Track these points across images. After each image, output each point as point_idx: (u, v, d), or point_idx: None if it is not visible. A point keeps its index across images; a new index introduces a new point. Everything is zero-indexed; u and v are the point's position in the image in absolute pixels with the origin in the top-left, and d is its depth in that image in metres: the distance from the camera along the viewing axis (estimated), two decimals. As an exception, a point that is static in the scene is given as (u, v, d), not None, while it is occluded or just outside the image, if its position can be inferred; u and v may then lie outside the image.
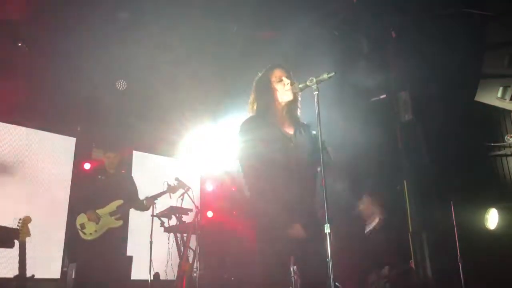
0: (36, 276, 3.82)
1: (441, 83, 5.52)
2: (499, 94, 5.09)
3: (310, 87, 2.49)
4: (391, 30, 5.82)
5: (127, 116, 6.58)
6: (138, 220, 5.78)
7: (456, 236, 4.87)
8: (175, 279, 5.29)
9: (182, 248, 5.34)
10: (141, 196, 5.13)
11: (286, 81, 2.71)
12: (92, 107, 6.34)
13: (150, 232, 5.50)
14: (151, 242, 5.46)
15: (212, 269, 6.79)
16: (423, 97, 5.78)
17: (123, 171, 5.46)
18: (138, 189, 5.20)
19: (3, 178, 5.79)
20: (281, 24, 5.60)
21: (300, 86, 2.58)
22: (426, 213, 5.52)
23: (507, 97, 5.05)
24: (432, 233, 5.45)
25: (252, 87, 2.87)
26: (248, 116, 2.80)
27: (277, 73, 2.76)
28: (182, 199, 5.33)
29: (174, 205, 5.45)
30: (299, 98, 2.78)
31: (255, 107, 2.80)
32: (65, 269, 5.81)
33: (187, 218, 5.54)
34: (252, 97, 2.84)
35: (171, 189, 5.14)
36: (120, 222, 4.85)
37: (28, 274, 3.73)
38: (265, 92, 2.74)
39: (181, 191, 5.22)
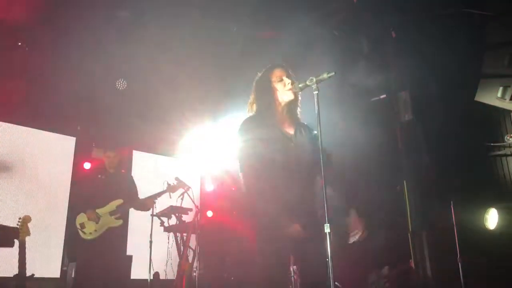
0: (36, 275, 3.82)
1: (441, 83, 5.52)
2: (499, 94, 5.09)
3: (310, 87, 2.49)
4: (391, 30, 5.82)
5: (127, 115, 6.58)
6: (138, 220, 5.78)
7: (456, 236, 4.87)
8: (174, 278, 5.29)
9: (182, 247, 5.33)
10: (141, 195, 5.13)
11: (287, 80, 2.70)
12: (92, 106, 6.34)
13: (150, 232, 5.51)
14: (151, 242, 5.47)
15: (212, 268, 6.79)
16: (423, 97, 5.78)
17: (123, 171, 5.46)
18: (138, 188, 5.20)
19: (3, 177, 5.79)
20: (281, 24, 5.59)
21: (300, 85, 2.58)
22: (426, 213, 5.52)
23: (507, 97, 5.04)
24: (432, 233, 5.45)
25: (252, 87, 2.86)
26: (248, 116, 2.79)
27: (278, 72, 2.75)
28: (182, 199, 5.33)
29: (174, 204, 5.45)
30: (300, 98, 2.77)
31: (255, 107, 2.79)
32: (64, 268, 5.81)
33: (187, 218, 5.54)
34: (252, 97, 2.84)
35: (170, 188, 5.13)
36: (120, 222, 4.85)
37: (28, 273, 3.73)
38: (266, 92, 2.74)
39: (181, 190, 5.22)
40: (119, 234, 4.95)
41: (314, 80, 2.46)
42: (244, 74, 3.54)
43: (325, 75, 2.43)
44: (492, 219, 5.02)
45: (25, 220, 3.93)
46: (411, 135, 5.83)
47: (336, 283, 2.22)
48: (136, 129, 6.64)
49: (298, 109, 2.81)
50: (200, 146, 7.42)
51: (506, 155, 5.46)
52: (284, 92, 2.69)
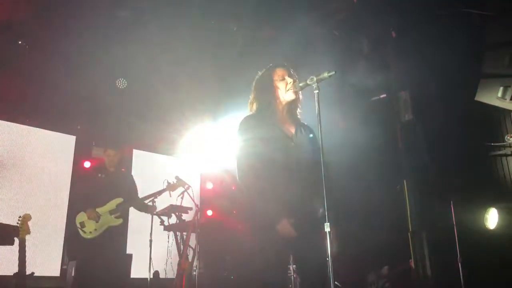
0: (36, 274, 3.83)
1: (441, 83, 5.52)
2: (499, 94, 5.09)
3: (311, 86, 2.49)
4: (391, 30, 5.82)
5: (127, 115, 6.59)
6: (138, 219, 5.79)
7: (456, 236, 4.87)
8: (174, 277, 5.29)
9: (181, 246, 5.33)
10: (141, 194, 5.14)
11: (289, 79, 2.70)
12: (92, 105, 6.34)
13: (150, 231, 5.50)
14: (150, 241, 5.47)
15: (212, 267, 6.80)
16: (423, 97, 5.78)
17: (123, 170, 5.46)
18: (138, 187, 5.21)
19: (3, 176, 5.80)
20: (281, 24, 5.59)
21: (301, 84, 2.58)
22: (426, 212, 5.52)
23: (507, 97, 5.04)
24: (432, 233, 5.45)
25: (252, 87, 2.86)
26: (248, 114, 2.78)
27: (280, 71, 2.75)
28: (182, 198, 5.33)
29: (174, 203, 5.45)
30: (301, 98, 2.77)
31: (255, 106, 2.78)
32: (64, 267, 5.82)
33: (187, 217, 5.54)
34: (252, 96, 2.83)
35: (170, 187, 5.13)
36: (120, 221, 4.85)
37: (28, 271, 3.73)
38: (267, 90, 2.73)
39: (181, 189, 5.22)
40: (119, 233, 4.96)
41: (315, 79, 2.46)
42: (244, 74, 3.54)
43: (325, 74, 2.44)
44: (492, 219, 5.02)
45: (25, 218, 3.94)
46: (411, 135, 5.83)
47: (336, 282, 2.22)
48: (136, 128, 6.65)
49: (298, 109, 2.81)
50: (200, 145, 7.42)
51: (506, 155, 5.47)
52: (285, 91, 2.68)
